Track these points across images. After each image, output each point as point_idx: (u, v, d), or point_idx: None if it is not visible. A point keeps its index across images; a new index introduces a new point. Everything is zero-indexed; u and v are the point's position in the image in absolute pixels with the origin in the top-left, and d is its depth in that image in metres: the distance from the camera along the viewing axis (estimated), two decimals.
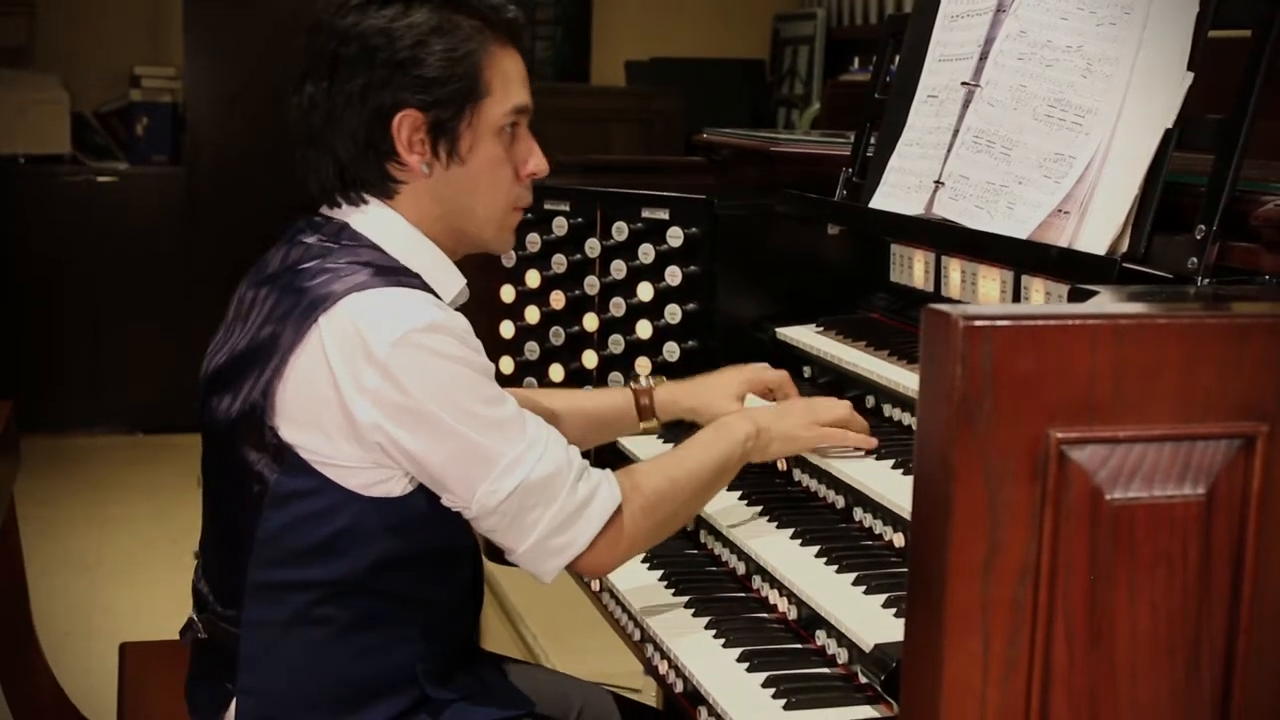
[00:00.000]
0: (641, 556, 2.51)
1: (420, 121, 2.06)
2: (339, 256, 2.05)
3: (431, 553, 2.12)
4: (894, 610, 2.06)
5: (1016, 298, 2.39)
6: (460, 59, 2.06)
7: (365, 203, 2.11)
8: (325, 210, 2.15)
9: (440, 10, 2.07)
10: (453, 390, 1.97)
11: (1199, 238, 1.96)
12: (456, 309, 2.14)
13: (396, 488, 2.04)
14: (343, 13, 2.07)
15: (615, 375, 3.03)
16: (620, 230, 3.02)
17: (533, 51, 7.96)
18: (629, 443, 2.80)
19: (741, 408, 2.49)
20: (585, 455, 2.64)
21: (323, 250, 2.07)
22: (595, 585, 2.54)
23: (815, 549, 2.29)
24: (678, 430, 2.62)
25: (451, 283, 2.15)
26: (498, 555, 2.87)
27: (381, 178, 2.09)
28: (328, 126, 2.09)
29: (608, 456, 2.83)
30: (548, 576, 2.08)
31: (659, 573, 2.46)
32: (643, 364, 2.98)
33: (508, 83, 2.12)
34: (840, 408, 2.41)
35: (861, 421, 2.41)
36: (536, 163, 2.18)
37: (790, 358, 2.86)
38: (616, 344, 3.03)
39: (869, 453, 2.39)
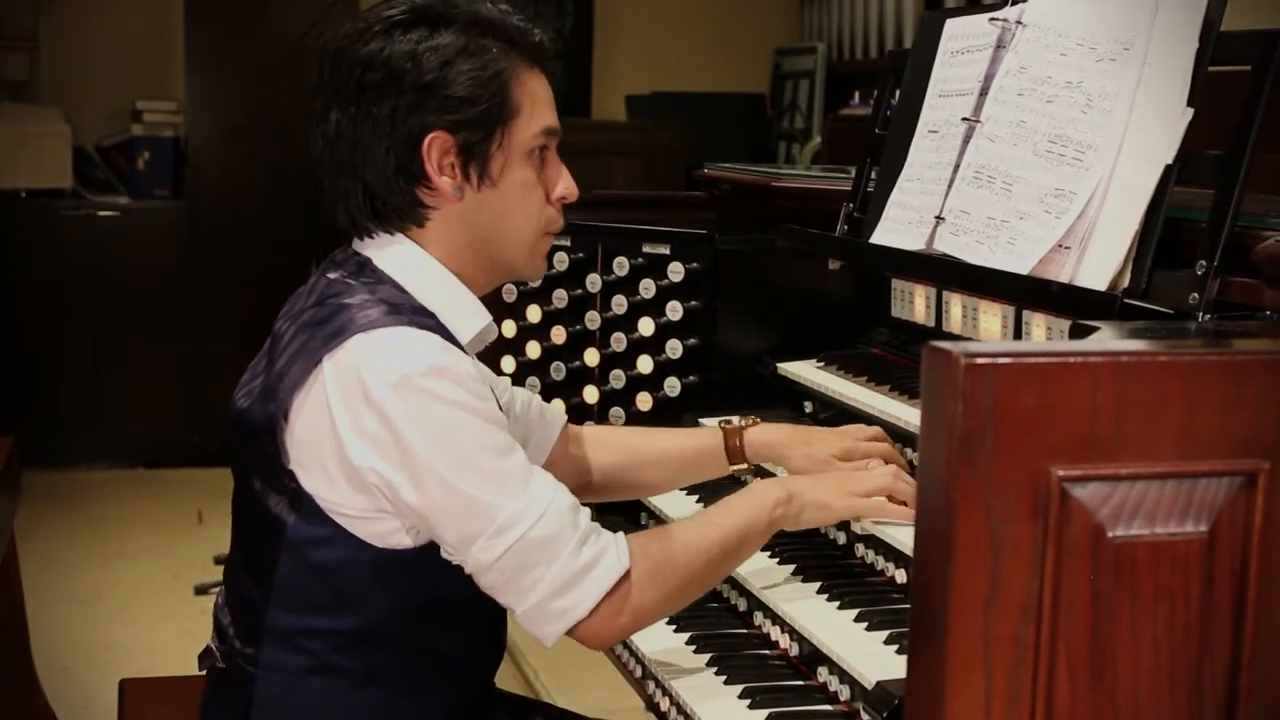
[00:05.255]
0: None
1: (450, 144, 2.03)
2: (356, 293, 2.01)
3: (450, 606, 2.08)
4: (896, 647, 2.05)
5: (1018, 333, 2.39)
6: (488, 79, 2.03)
7: (393, 235, 2.08)
8: (354, 246, 2.11)
9: (467, 33, 2.04)
10: (450, 438, 1.91)
11: (1200, 273, 1.96)
12: (484, 348, 2.13)
13: (407, 539, 2.00)
14: (366, 39, 2.04)
15: (616, 410, 3.03)
16: (621, 265, 3.03)
17: None
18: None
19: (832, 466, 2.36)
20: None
21: (343, 287, 2.03)
22: None
23: (817, 585, 2.29)
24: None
25: (471, 322, 2.09)
26: None
27: (411, 204, 2.05)
28: (356, 154, 2.05)
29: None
30: (549, 640, 1.99)
31: None
32: (643, 399, 2.98)
33: (536, 104, 2.09)
34: (881, 476, 2.27)
35: (908, 487, 2.23)
36: (566, 186, 2.14)
37: (791, 393, 2.86)
38: (618, 379, 3.03)
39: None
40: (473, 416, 1.93)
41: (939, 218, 2.44)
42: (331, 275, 2.08)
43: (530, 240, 2.13)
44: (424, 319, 2.00)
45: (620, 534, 2.02)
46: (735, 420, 2.51)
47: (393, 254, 2.07)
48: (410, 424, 1.90)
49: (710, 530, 2.10)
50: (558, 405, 2.58)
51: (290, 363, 1.99)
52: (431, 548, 2.00)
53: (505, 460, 1.94)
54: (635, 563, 1.99)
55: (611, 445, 2.53)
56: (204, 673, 2.24)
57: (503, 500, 1.92)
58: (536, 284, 3.14)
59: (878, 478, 2.26)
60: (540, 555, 1.92)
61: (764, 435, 2.47)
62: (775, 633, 2.28)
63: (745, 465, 2.49)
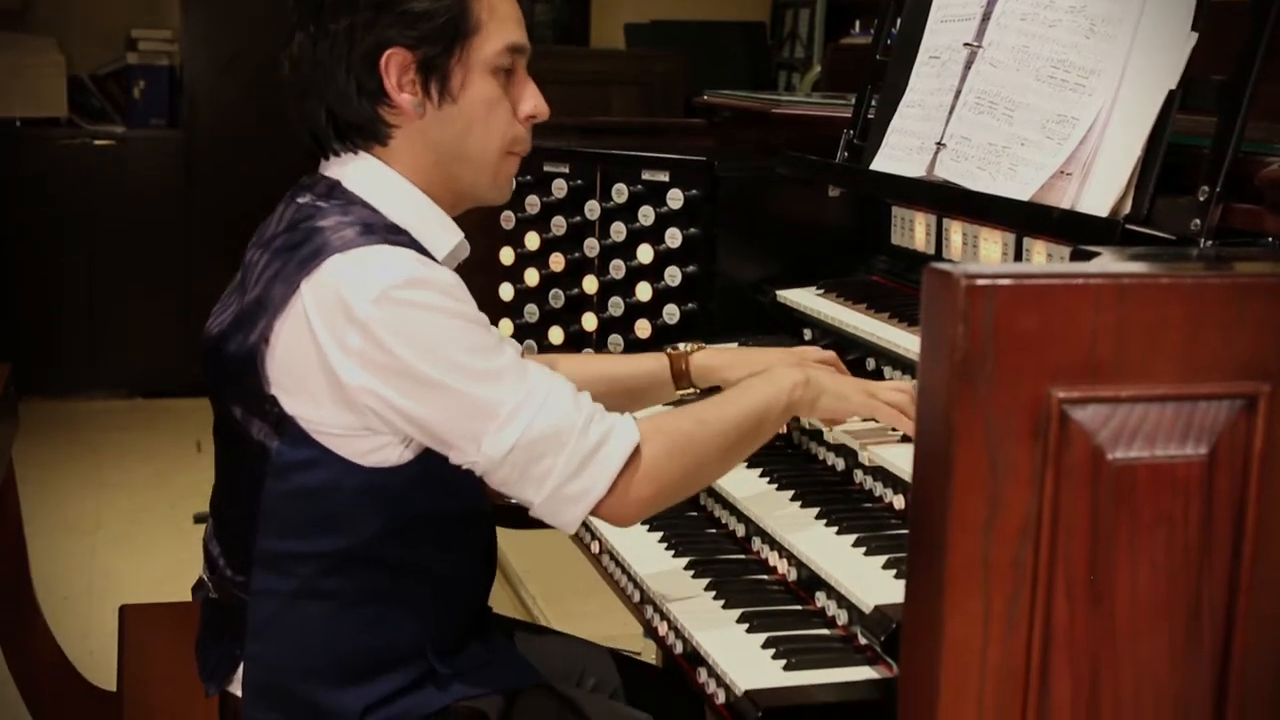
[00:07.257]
0: None
1: (409, 60, 2.02)
2: (328, 215, 2.01)
3: (439, 521, 2.09)
4: (894, 572, 2.06)
5: (1018, 259, 2.38)
6: None
7: (357, 154, 2.07)
8: (321, 169, 2.11)
9: None
10: (439, 344, 1.91)
11: (1202, 199, 1.95)
12: (457, 265, 2.12)
13: (393, 455, 2.00)
14: None
15: (615, 338, 3.03)
16: (620, 192, 3.01)
17: (532, 14, 7.92)
18: None
19: None
20: None
21: (314, 210, 2.03)
22: (595, 547, 2.54)
23: (815, 511, 2.29)
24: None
25: (446, 239, 2.10)
26: (505, 520, 2.88)
27: (374, 121, 2.05)
28: (317, 74, 2.05)
29: None
30: (570, 526, 2.01)
31: (659, 534, 2.46)
32: (642, 326, 2.98)
33: (499, 20, 2.06)
34: (900, 387, 2.28)
35: None
36: (535, 104, 2.12)
37: (790, 320, 2.85)
38: (616, 306, 3.03)
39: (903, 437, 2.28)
40: (458, 320, 1.94)
41: (940, 144, 2.43)
42: (301, 200, 2.08)
43: (493, 159, 2.11)
44: (398, 236, 2.00)
45: (625, 414, 2.03)
46: (681, 346, 2.52)
47: (361, 173, 2.07)
48: (397, 336, 1.90)
49: (728, 409, 2.12)
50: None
51: (267, 289, 1.99)
52: (416, 463, 2.01)
53: (497, 357, 1.95)
54: (649, 438, 2.00)
55: (562, 372, 2.52)
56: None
57: (503, 394, 1.93)
58: (508, 220, 3.14)
59: (896, 389, 2.28)
60: (549, 443, 1.94)
61: (708, 359, 2.48)
62: (774, 558, 2.28)
63: (693, 389, 2.49)
